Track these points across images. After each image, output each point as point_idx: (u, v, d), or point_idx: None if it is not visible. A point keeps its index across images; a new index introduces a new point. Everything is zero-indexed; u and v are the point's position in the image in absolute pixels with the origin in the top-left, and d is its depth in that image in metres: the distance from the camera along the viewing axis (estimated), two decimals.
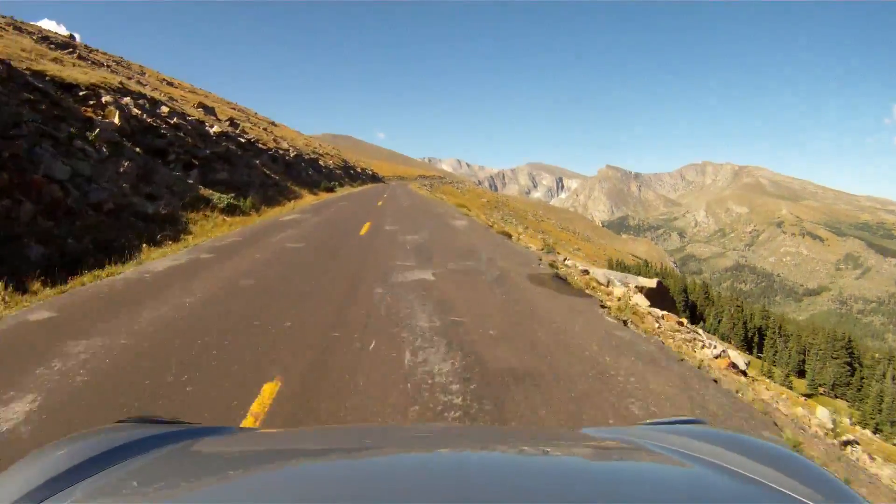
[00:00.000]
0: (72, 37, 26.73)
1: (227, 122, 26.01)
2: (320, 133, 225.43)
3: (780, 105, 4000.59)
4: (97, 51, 29.57)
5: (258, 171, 19.58)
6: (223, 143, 18.70)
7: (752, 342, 52.12)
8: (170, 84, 34.39)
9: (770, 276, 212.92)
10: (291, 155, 31.08)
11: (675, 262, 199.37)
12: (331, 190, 30.00)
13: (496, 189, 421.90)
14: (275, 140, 33.44)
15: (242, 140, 22.60)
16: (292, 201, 18.58)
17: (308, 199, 20.98)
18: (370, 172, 78.62)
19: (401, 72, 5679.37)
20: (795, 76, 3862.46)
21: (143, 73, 31.75)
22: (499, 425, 2.90)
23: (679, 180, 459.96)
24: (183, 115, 18.07)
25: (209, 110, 26.35)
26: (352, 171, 59.74)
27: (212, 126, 20.38)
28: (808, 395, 29.60)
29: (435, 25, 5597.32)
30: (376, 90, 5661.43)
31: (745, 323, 53.07)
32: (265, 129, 38.31)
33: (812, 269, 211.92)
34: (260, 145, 25.42)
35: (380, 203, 21.38)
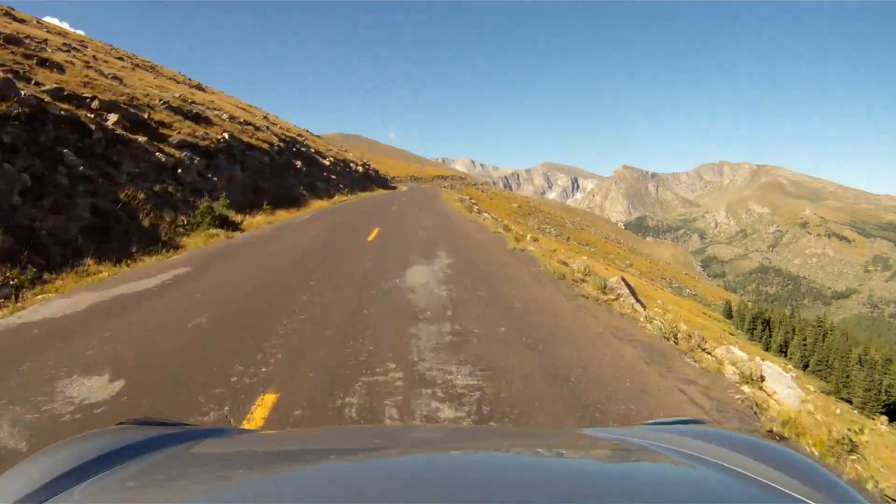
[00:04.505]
0: None
1: None
2: (330, 133, 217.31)
3: (795, 104, 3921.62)
4: None
5: None
6: None
7: None
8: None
9: (796, 279, 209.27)
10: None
11: (700, 265, 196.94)
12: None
13: (511, 189, 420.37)
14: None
15: None
16: None
17: None
18: (359, 170, 46.63)
19: (413, 72, 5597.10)
20: (807, 75, 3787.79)
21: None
22: (501, 426, 2.89)
23: (696, 180, 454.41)
24: None
25: None
26: (313, 169, 29.02)
27: None
28: None
29: (445, 25, 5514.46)
30: (389, 91, 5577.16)
31: None
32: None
33: (840, 271, 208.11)
34: None
35: None
